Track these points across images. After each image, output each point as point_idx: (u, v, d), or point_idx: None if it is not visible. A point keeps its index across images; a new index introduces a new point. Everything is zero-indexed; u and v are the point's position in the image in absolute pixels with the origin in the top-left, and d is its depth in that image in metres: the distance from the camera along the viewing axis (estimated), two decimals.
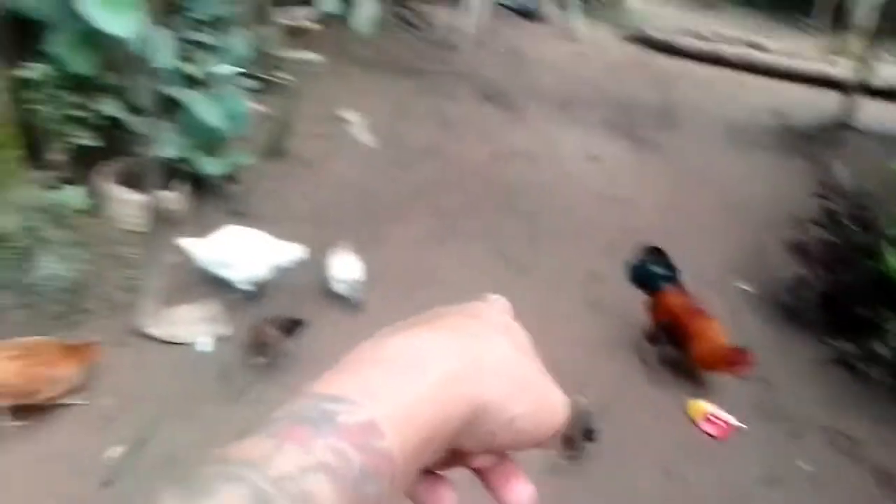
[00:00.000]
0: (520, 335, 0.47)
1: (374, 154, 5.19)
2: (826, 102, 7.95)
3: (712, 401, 3.35)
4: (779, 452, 3.20)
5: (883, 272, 3.47)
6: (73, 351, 2.68)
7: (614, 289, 4.08)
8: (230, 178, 4.27)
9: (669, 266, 3.67)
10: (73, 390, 2.72)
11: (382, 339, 0.41)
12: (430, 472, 0.43)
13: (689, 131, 6.81)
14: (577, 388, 3.32)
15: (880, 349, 3.55)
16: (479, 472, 0.46)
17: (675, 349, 3.46)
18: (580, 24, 9.66)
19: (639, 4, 11.53)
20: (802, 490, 3.02)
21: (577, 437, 2.95)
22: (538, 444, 0.44)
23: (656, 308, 3.57)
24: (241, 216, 3.97)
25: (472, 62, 7.68)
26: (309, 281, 3.57)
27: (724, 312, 3.97)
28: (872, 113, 7.67)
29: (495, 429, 0.40)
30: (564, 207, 4.98)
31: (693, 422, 3.26)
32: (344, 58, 6.75)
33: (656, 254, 3.71)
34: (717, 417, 3.22)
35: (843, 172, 3.91)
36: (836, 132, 7.27)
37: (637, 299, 3.72)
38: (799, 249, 4.00)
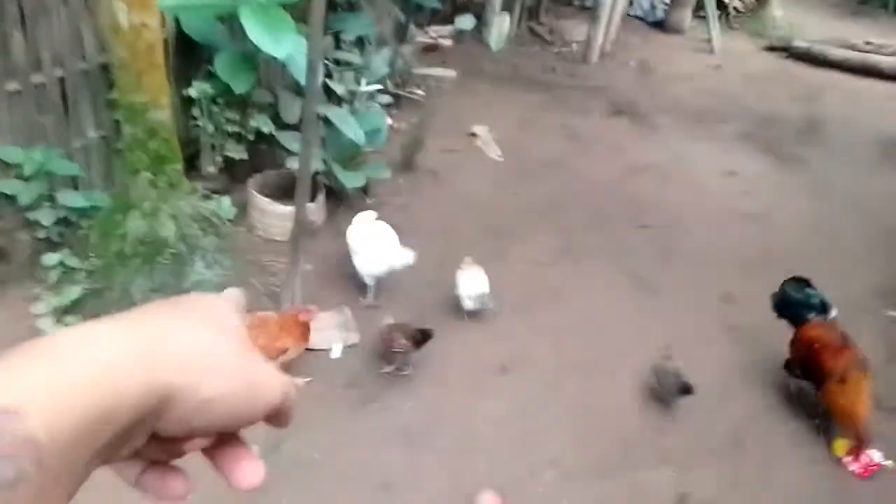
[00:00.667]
0: (226, 318, 0.46)
1: (501, 168, 5.25)
2: None
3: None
4: None
5: None
6: (290, 323, 2.94)
7: (751, 313, 3.90)
8: (364, 190, 4.47)
9: (817, 297, 3.44)
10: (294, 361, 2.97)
11: (57, 334, 0.39)
12: (157, 463, 0.44)
13: (836, 147, 6.39)
14: (714, 414, 3.23)
15: None
16: (209, 456, 0.46)
17: (811, 385, 3.26)
18: (717, 34, 9.30)
19: (781, 12, 10.94)
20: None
21: (671, 393, 3.14)
22: (248, 422, 0.44)
23: (796, 340, 3.36)
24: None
25: (603, 76, 7.61)
26: (435, 293, 3.67)
27: (874, 342, 3.72)
28: None
29: (187, 413, 0.39)
30: (697, 225, 4.81)
31: (836, 457, 3.06)
32: (475, 73, 6.90)
33: (803, 283, 3.50)
34: (862, 452, 3.00)
35: None
36: None
37: (775, 325, 3.54)
38: None
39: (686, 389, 3.11)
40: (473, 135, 5.64)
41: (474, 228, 4.44)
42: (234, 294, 0.52)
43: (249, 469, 0.46)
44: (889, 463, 3.01)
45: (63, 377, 0.35)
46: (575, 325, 3.70)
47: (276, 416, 0.46)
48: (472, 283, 3.57)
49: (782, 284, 3.55)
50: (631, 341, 3.62)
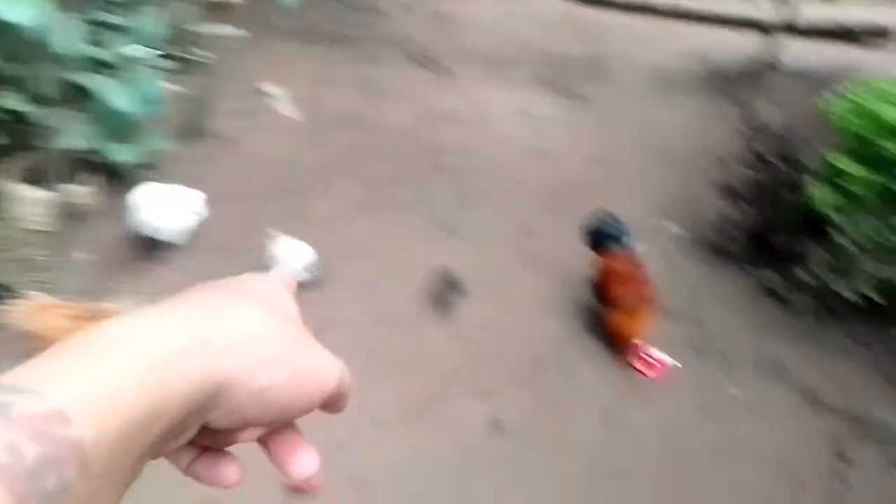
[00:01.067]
0: (282, 302, 0.45)
1: (297, 126, 5.07)
2: (750, 45, 8.06)
3: (647, 342, 3.40)
4: (712, 385, 3.27)
5: (806, 205, 3.54)
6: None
7: (548, 244, 4.10)
8: (147, 165, 4.12)
9: (622, 230, 3.66)
10: None
11: (102, 325, 0.37)
12: (208, 449, 0.43)
13: (619, 82, 6.83)
14: (517, 347, 3.36)
15: (804, 276, 3.64)
16: (262, 445, 0.45)
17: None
18: None
19: None
20: (737, 418, 3.10)
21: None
22: (304, 411, 0.42)
23: (596, 268, 3.56)
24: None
25: (400, 27, 7.55)
26: (240, 263, 3.47)
27: (657, 253, 4.04)
28: (795, 53, 7.80)
29: (241, 404, 0.38)
30: (494, 166, 4.95)
31: (630, 365, 3.31)
32: (268, 30, 6.56)
33: (611, 218, 3.70)
34: (652, 357, 3.27)
35: (767, 112, 3.95)
36: (759, 73, 7.39)
37: (572, 254, 3.74)
38: (726, 189, 4.06)
39: (454, 286, 3.37)
40: (267, 94, 5.38)
41: (273, 191, 4.26)
42: (284, 273, 0.49)
43: (305, 458, 0.44)
44: (675, 363, 3.30)
45: (112, 373, 0.34)
46: (381, 276, 3.68)
47: (332, 403, 0.44)
48: (293, 256, 3.42)
49: (593, 219, 3.71)
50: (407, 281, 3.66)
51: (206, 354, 0.37)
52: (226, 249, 3.63)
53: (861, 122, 3.22)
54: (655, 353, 3.30)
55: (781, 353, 3.48)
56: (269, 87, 5.42)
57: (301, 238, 3.55)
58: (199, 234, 3.66)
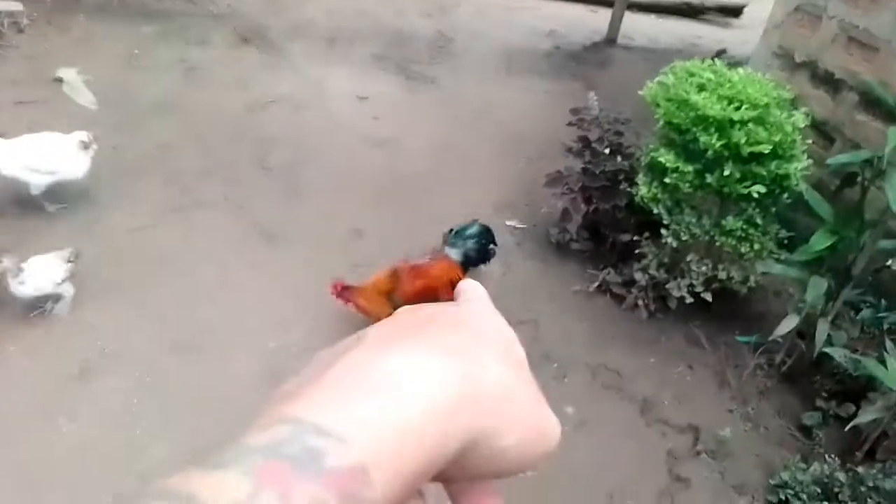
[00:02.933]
0: (516, 348, 0.42)
1: (95, 118, 4.41)
2: (596, 20, 8.06)
3: None
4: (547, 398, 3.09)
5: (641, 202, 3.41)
6: None
7: (378, 247, 3.78)
8: None
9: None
10: None
11: (363, 356, 0.36)
12: None
13: (466, 62, 6.56)
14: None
15: (637, 275, 3.53)
16: (448, 488, 0.41)
17: None
18: None
19: None
20: (570, 441, 2.93)
21: None
22: (526, 468, 0.39)
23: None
24: None
25: (228, 0, 6.88)
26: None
27: (496, 250, 3.81)
28: (639, 27, 7.87)
29: (484, 460, 0.36)
30: (327, 158, 4.54)
31: None
32: (68, 4, 5.75)
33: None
34: None
35: (593, 100, 3.78)
36: (603, 50, 7.38)
37: (397, 256, 3.43)
38: (557, 181, 3.88)
39: None
40: (59, 80, 4.66)
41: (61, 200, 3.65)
42: (483, 295, 0.47)
43: None
44: None
45: (403, 425, 0.33)
46: (183, 298, 3.22)
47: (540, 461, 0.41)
48: (37, 277, 2.87)
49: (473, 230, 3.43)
50: (249, 304, 3.26)
51: (473, 409, 0.36)
52: None
53: (673, 108, 3.09)
54: None
55: (616, 359, 3.35)
56: (64, 72, 4.70)
57: (84, 257, 3.03)
58: None
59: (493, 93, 6.02)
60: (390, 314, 0.43)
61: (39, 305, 2.95)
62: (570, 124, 3.83)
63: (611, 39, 7.54)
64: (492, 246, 3.44)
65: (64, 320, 2.96)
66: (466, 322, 0.42)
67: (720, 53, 6.63)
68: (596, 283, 3.73)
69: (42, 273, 2.87)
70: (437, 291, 3.07)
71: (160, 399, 2.72)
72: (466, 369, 0.36)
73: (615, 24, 7.52)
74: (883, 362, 2.79)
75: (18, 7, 5.05)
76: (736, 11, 10.17)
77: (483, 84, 6.16)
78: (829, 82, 3.95)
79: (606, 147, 3.72)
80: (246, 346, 3.02)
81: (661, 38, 8.26)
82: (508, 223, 4.23)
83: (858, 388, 3.04)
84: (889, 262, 3.08)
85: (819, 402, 3.10)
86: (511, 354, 0.41)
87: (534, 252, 4.02)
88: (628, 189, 3.66)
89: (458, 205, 4.30)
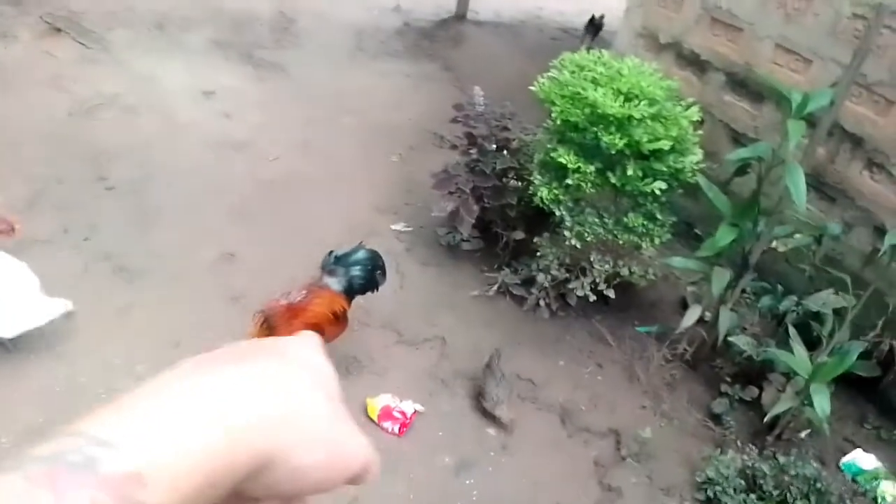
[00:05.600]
0: (328, 379, 0.45)
1: None
2: None
3: (388, 388, 2.90)
4: (465, 424, 2.90)
5: (533, 199, 3.26)
6: None
7: (253, 273, 3.36)
8: None
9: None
10: None
11: (173, 378, 0.39)
12: None
13: (313, 44, 6.10)
14: None
15: (538, 275, 3.42)
16: None
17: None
18: None
19: None
20: (497, 463, 2.77)
21: None
22: (329, 488, 0.43)
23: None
24: None
25: None
26: None
27: (386, 259, 3.54)
28: (484, 1, 7.74)
29: (280, 478, 0.39)
30: (176, 169, 3.99)
31: (375, 423, 2.78)
32: None
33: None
34: (393, 410, 2.79)
35: (479, 95, 3.57)
36: (454, 26, 7.19)
37: (279, 283, 3.05)
38: (446, 181, 3.66)
39: None
40: None
41: None
42: (314, 338, 0.49)
43: None
44: (419, 407, 2.85)
45: (187, 440, 0.35)
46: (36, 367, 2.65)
47: (355, 480, 0.45)
48: None
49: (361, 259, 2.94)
50: (109, 359, 2.76)
51: (266, 430, 0.38)
52: None
53: (569, 106, 2.96)
54: (396, 402, 2.82)
55: (529, 367, 3.22)
56: None
57: None
58: None
59: (347, 78, 5.65)
60: None
61: None
62: (454, 120, 3.60)
63: (460, 15, 7.37)
64: (379, 272, 2.98)
65: None
66: (287, 352, 0.44)
67: (595, 21, 6.68)
68: (495, 286, 3.58)
69: None
70: (321, 328, 2.71)
71: None
72: (269, 393, 0.39)
73: None
74: (784, 348, 2.87)
75: None
76: None
77: (336, 69, 5.75)
78: (696, 63, 4.02)
79: (494, 144, 3.54)
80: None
81: (503, 10, 8.21)
82: (394, 227, 3.96)
83: (757, 371, 3.14)
84: (773, 244, 3.17)
85: (724, 388, 3.16)
86: (319, 380, 0.43)
87: (425, 257, 3.79)
88: (517, 185, 3.52)
89: (335, 211, 3.97)
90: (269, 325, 2.63)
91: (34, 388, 2.61)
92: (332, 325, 2.75)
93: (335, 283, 2.81)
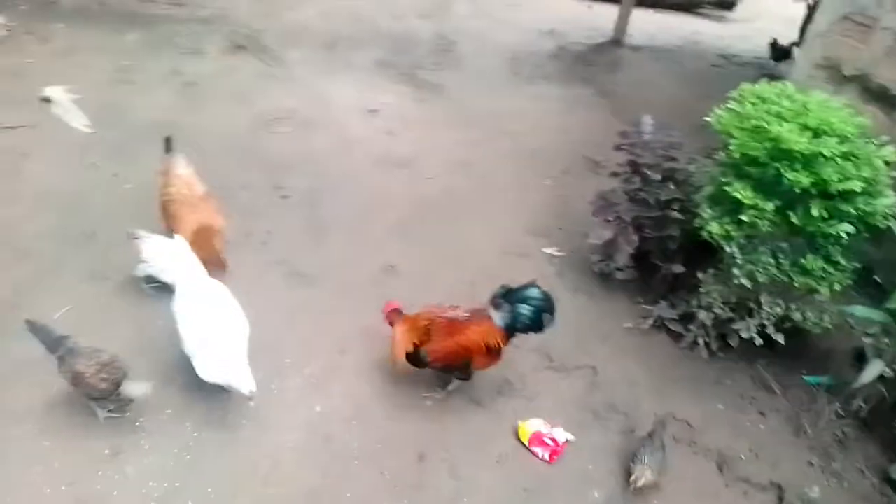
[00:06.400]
0: None
1: (91, 142, 4.03)
2: (593, 18, 7.79)
3: (536, 411, 2.90)
4: (617, 461, 2.83)
5: (697, 229, 3.15)
6: None
7: (412, 284, 3.48)
8: None
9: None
10: None
11: None
12: None
13: (471, 66, 6.25)
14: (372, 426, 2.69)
15: (698, 312, 3.29)
16: None
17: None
18: None
19: None
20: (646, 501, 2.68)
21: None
22: None
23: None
24: None
25: (217, 2, 6.45)
26: None
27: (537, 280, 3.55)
28: (635, 24, 7.60)
29: None
30: (346, 181, 4.22)
31: (526, 447, 2.78)
32: (45, 11, 5.30)
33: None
34: (545, 436, 2.77)
35: (648, 123, 3.51)
36: (610, 51, 7.13)
37: (448, 298, 3.13)
38: (605, 208, 3.61)
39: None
40: (47, 100, 4.25)
41: (60, 239, 3.28)
42: None
43: None
44: (569, 437, 2.82)
45: None
46: None
47: None
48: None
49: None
50: (280, 358, 2.94)
51: None
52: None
53: (748, 139, 2.84)
54: (548, 428, 2.81)
55: (685, 407, 3.09)
56: (51, 91, 4.29)
57: (88, 306, 2.70)
58: None
59: (503, 101, 5.73)
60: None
61: None
62: (619, 148, 3.56)
63: (616, 40, 7.29)
64: (547, 315, 2.84)
65: None
66: None
67: (777, 47, 6.40)
68: (650, 320, 3.49)
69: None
70: (471, 355, 2.76)
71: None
72: None
73: (622, 23, 7.27)
74: None
75: None
76: (728, 5, 10.01)
77: (492, 91, 5.86)
78: (884, 98, 3.75)
79: (660, 174, 3.46)
80: (288, 412, 2.71)
81: (659, 35, 8.04)
82: (545, 251, 3.96)
83: None
84: None
85: None
86: None
87: (576, 283, 3.75)
88: (680, 217, 3.42)
89: (489, 230, 4.03)
90: (428, 333, 2.72)
91: None
92: (482, 356, 2.78)
93: (498, 318, 2.80)
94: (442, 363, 2.79)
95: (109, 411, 2.52)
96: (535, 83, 6.15)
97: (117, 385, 2.44)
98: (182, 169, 3.23)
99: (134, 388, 2.49)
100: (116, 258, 3.18)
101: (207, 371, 2.54)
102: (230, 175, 4.04)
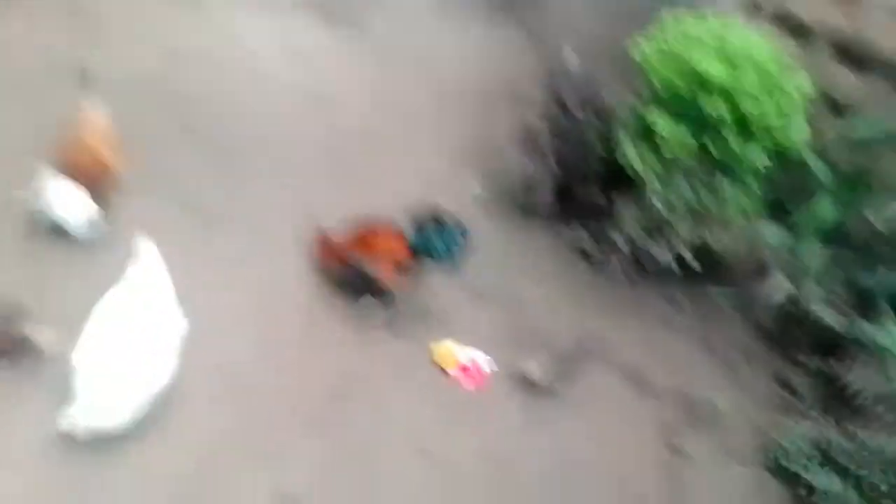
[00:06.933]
0: None
1: None
2: None
3: (455, 336, 2.93)
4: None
5: (616, 159, 3.20)
6: None
7: (332, 223, 3.41)
8: None
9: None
10: None
11: None
12: None
13: (395, 5, 6.04)
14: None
15: (615, 237, 3.36)
16: None
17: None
18: None
19: None
20: (564, 422, 2.76)
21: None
22: None
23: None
24: None
25: None
26: None
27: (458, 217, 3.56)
28: None
29: None
30: (263, 123, 4.07)
31: (444, 372, 2.82)
32: None
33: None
34: (470, 365, 2.81)
35: (571, 57, 3.50)
36: None
37: None
38: (528, 142, 3.62)
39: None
40: None
41: None
42: None
43: None
44: (493, 367, 2.87)
45: None
46: None
47: None
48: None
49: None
50: (204, 295, 2.85)
51: None
52: None
53: (673, 72, 2.87)
54: (472, 354, 2.85)
55: (602, 325, 3.20)
56: None
57: None
58: None
59: (429, 40, 5.58)
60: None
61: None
62: (542, 83, 3.54)
63: None
64: (455, 247, 2.93)
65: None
66: None
67: None
68: (571, 246, 3.56)
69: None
70: (375, 253, 2.84)
71: None
72: None
73: None
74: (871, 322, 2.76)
75: None
76: None
77: (419, 31, 5.67)
78: (800, 33, 3.82)
79: (577, 102, 3.48)
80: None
81: None
82: (470, 186, 3.95)
83: (835, 343, 3.03)
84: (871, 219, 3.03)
85: (802, 359, 3.07)
86: None
87: (500, 217, 3.78)
88: (601, 151, 3.46)
89: (413, 168, 3.99)
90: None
91: None
92: (388, 265, 2.79)
93: (411, 235, 2.83)
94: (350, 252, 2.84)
95: None
96: (461, 21, 6.02)
97: (8, 321, 2.27)
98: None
99: (42, 333, 2.32)
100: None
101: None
102: (133, 120, 3.81)
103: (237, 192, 3.49)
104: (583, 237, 3.55)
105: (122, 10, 4.76)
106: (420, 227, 2.84)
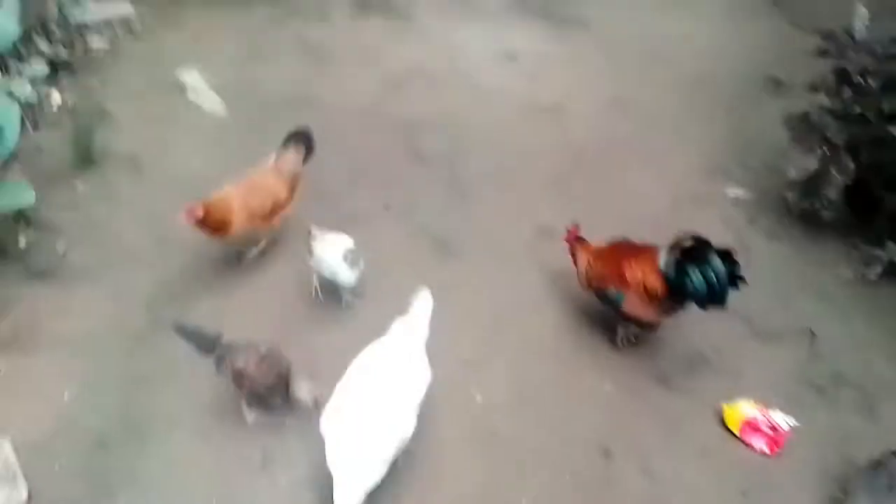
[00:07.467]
0: None
1: (224, 124, 3.90)
2: None
3: (742, 390, 2.38)
4: (853, 447, 2.26)
5: None
6: None
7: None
8: (18, 219, 3.02)
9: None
10: None
11: None
12: None
13: None
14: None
15: None
16: None
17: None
18: None
19: None
20: None
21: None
22: None
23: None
24: (47, 275, 2.82)
25: None
26: None
27: (721, 229, 3.00)
28: None
29: None
30: (486, 137, 3.81)
31: (733, 434, 2.30)
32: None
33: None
34: (759, 422, 2.26)
35: (860, 15, 2.80)
36: None
37: None
38: (803, 133, 2.95)
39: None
40: (183, 85, 4.18)
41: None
42: None
43: None
44: (792, 421, 2.28)
45: None
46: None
47: None
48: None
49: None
50: (443, 330, 2.61)
51: None
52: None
53: None
54: (765, 411, 2.29)
55: None
56: (187, 76, 4.21)
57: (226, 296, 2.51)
58: None
59: (655, 24, 5.02)
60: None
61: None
62: (821, 53, 2.87)
63: None
64: (714, 293, 2.21)
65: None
66: None
67: None
68: (877, 267, 2.82)
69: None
70: (623, 285, 2.39)
71: None
72: None
73: None
74: None
75: (129, 10, 4.60)
76: None
77: (644, 19, 5.15)
78: None
79: (879, 80, 2.75)
80: (446, 404, 2.39)
81: None
82: (730, 194, 3.35)
83: None
84: None
85: None
86: None
87: (773, 229, 3.15)
88: None
89: (659, 177, 3.50)
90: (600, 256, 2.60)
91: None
92: (636, 295, 2.38)
93: (662, 261, 2.33)
94: (596, 283, 2.51)
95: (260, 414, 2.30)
96: (695, 4, 5.36)
97: (282, 378, 2.20)
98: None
99: (303, 388, 2.21)
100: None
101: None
102: (364, 143, 3.76)
103: (467, 214, 3.24)
104: (893, 251, 2.81)
105: (343, 41, 4.81)
106: (678, 261, 2.29)
